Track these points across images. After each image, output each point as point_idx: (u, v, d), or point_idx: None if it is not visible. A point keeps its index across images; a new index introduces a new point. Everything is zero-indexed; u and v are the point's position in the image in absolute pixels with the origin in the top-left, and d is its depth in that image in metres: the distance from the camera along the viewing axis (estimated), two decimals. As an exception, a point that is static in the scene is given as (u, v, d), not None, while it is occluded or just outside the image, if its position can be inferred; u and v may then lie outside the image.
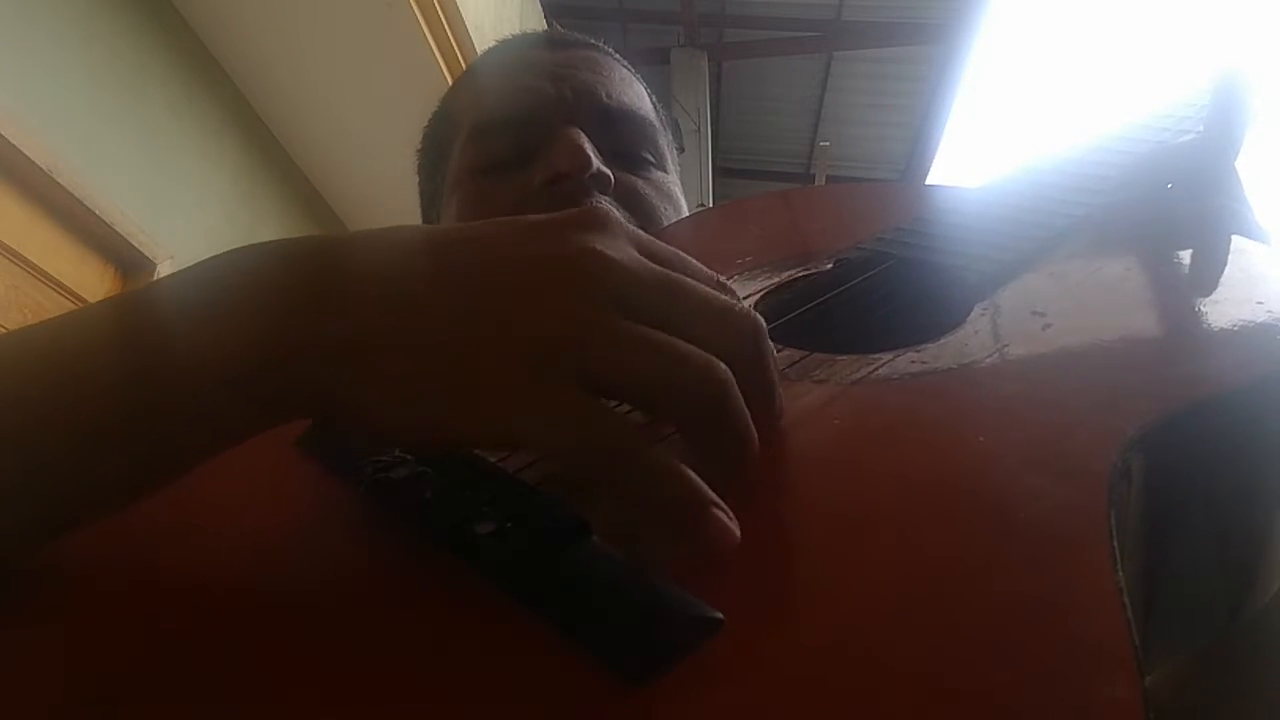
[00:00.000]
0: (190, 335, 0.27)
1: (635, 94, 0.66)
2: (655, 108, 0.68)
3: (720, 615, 0.22)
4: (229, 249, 0.29)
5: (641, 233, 0.30)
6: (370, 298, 0.27)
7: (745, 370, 0.27)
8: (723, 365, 0.26)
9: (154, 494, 0.27)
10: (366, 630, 0.24)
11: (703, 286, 0.28)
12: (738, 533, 0.24)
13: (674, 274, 0.28)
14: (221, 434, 0.27)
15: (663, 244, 0.29)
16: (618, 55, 0.69)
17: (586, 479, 0.26)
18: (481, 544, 0.25)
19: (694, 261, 0.30)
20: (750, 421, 0.26)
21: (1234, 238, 0.40)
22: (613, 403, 0.27)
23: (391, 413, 0.27)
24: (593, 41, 0.70)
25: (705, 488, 0.24)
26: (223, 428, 0.27)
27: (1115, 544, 0.23)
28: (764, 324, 0.28)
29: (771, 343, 0.29)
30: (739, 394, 0.26)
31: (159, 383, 0.26)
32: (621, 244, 0.28)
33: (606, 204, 0.57)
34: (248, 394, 0.26)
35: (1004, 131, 5.99)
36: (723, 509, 0.24)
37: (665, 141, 0.67)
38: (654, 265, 0.28)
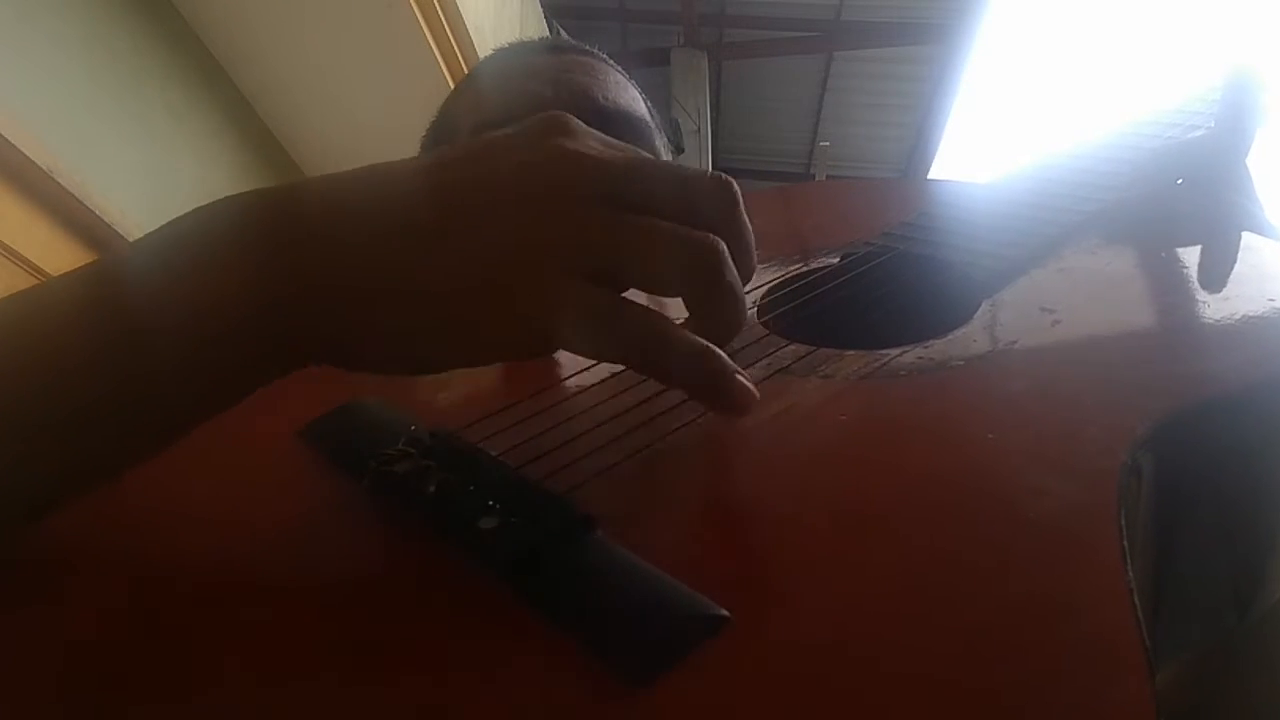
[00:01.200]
0: (167, 295, 0.26)
1: (630, 97, 0.68)
2: (650, 110, 0.71)
3: (726, 612, 0.22)
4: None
5: (599, 132, 0.30)
6: (358, 231, 0.27)
7: (728, 231, 0.28)
8: (715, 238, 0.27)
9: (148, 460, 0.27)
10: (368, 624, 0.24)
11: (669, 164, 0.30)
12: (757, 393, 0.27)
13: (643, 157, 0.29)
14: (212, 395, 0.27)
15: (615, 140, 0.30)
16: (612, 61, 0.72)
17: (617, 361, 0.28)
18: (484, 539, 0.25)
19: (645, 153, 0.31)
20: (741, 283, 0.28)
21: (1245, 234, 0.40)
22: None
23: (412, 346, 0.27)
24: (588, 48, 0.72)
25: (726, 358, 0.27)
26: (212, 388, 0.27)
27: (1125, 542, 0.23)
28: (732, 182, 0.29)
29: (778, 337, 0.29)
30: (730, 260, 0.27)
31: (139, 348, 0.26)
32: (589, 140, 0.29)
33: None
34: (234, 349, 0.26)
35: (1004, 131, 6.00)
36: (742, 374, 0.27)
37: (661, 143, 0.70)
38: (622, 152, 0.29)
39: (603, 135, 0.30)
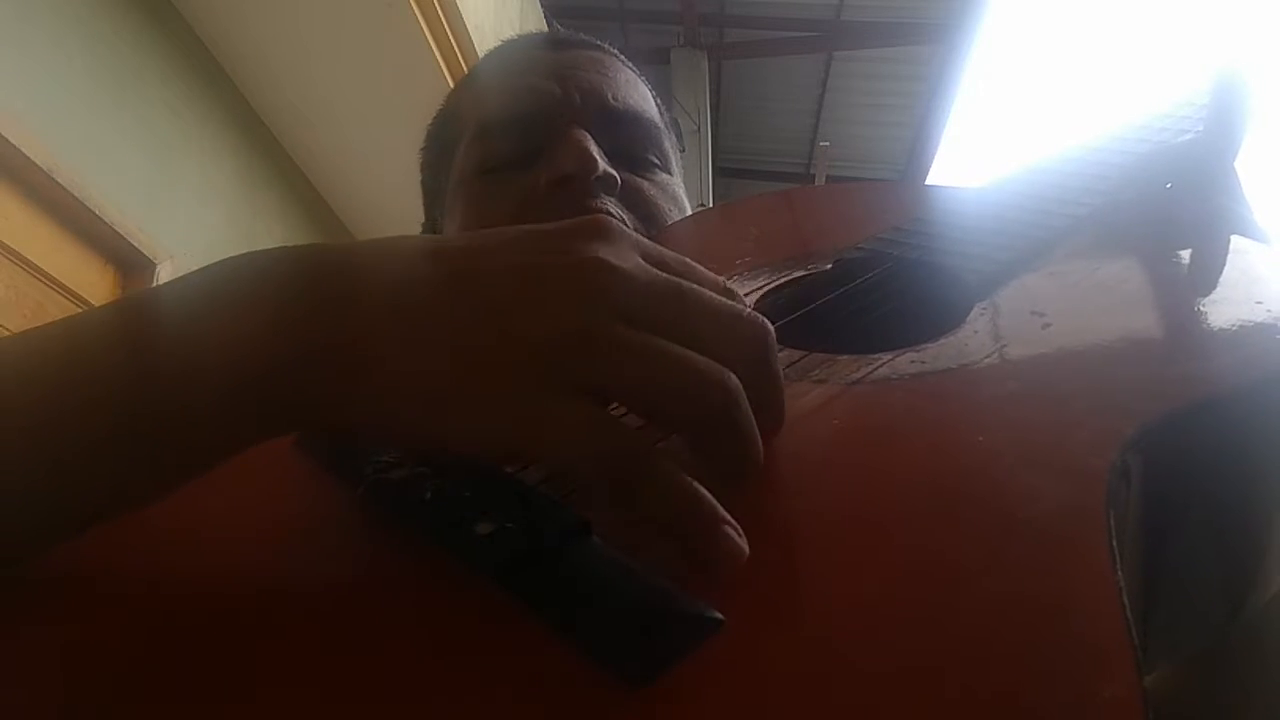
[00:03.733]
0: (199, 339, 0.27)
1: (640, 95, 0.66)
2: (660, 109, 0.68)
3: (720, 615, 0.22)
4: (232, 252, 0.29)
5: (647, 240, 0.29)
6: (378, 304, 0.27)
7: (753, 377, 0.27)
8: (732, 375, 0.26)
9: (165, 498, 0.27)
10: (366, 631, 0.24)
11: (710, 293, 0.28)
12: (746, 550, 0.24)
13: (681, 281, 0.28)
14: (231, 439, 0.27)
15: (669, 251, 0.29)
16: (622, 56, 0.69)
17: (596, 489, 0.26)
18: (481, 545, 0.25)
19: (700, 267, 0.30)
20: (757, 431, 0.26)
21: (1233, 238, 0.40)
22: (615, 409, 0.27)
23: (399, 418, 0.27)
24: (598, 42, 0.69)
25: (716, 504, 0.24)
26: (231, 433, 0.27)
27: (1114, 543, 0.23)
28: (772, 330, 0.28)
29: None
30: (747, 404, 0.26)
31: (168, 386, 0.26)
32: (627, 252, 0.28)
33: (611, 205, 0.57)
34: (256, 399, 0.26)
35: (1004, 131, 5.99)
36: (733, 526, 0.24)
37: (669, 143, 0.67)
38: (660, 273, 0.28)
39: (646, 243, 0.29)
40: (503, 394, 0.25)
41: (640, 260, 0.28)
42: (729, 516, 0.24)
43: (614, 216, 0.33)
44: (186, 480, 0.27)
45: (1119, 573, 0.22)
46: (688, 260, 0.30)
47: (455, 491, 0.28)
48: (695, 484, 0.24)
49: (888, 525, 0.26)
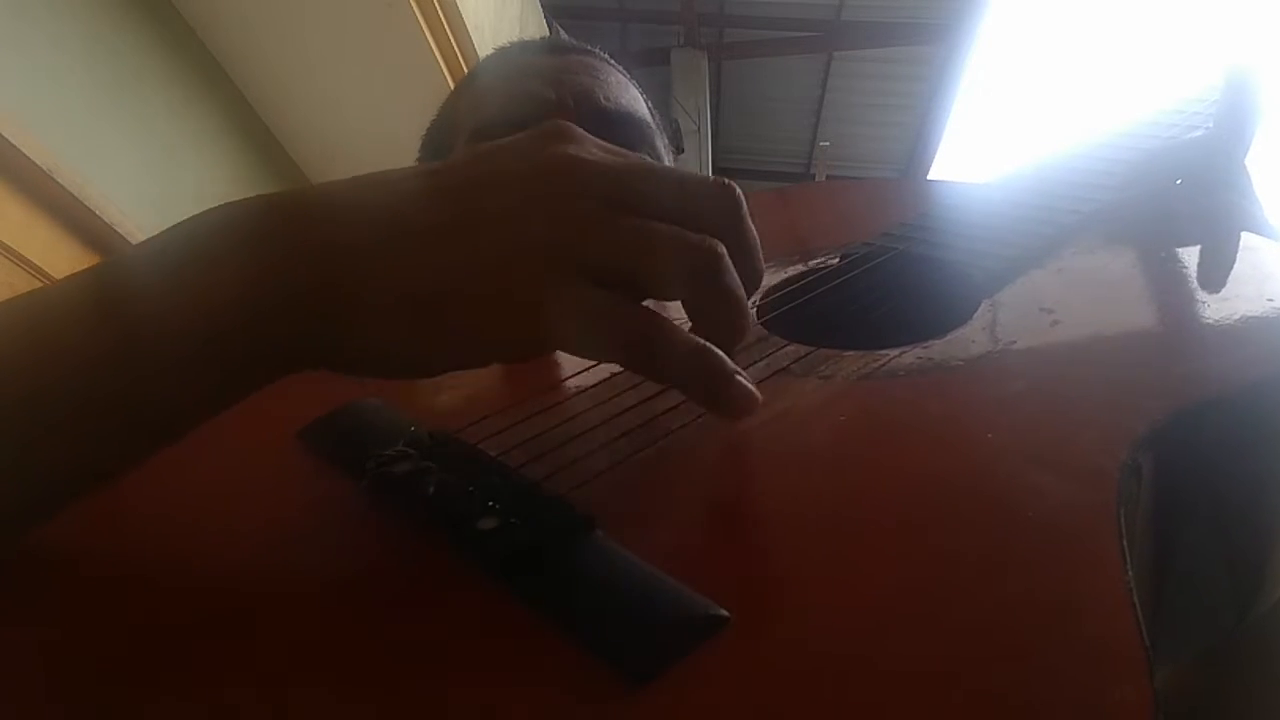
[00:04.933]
0: (170, 298, 0.26)
1: (631, 97, 0.68)
2: (651, 111, 0.70)
3: (725, 612, 0.22)
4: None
5: (601, 141, 0.30)
6: (356, 237, 0.27)
7: (731, 236, 0.28)
8: (717, 242, 0.27)
9: (148, 459, 0.27)
10: (367, 626, 0.24)
11: (673, 168, 0.30)
12: (760, 397, 0.27)
13: (647, 163, 0.29)
14: (211, 398, 0.27)
15: (627, 150, 0.30)
16: (613, 61, 0.71)
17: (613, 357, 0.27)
18: (484, 540, 0.25)
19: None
20: (743, 291, 0.28)
21: (1244, 234, 0.40)
22: None
23: (398, 346, 0.27)
24: (589, 48, 0.72)
25: (726, 358, 0.27)
26: (212, 389, 0.27)
27: (1124, 543, 0.23)
28: (738, 189, 0.29)
29: (778, 337, 0.29)
30: (731, 265, 0.27)
31: (143, 349, 0.26)
32: (591, 147, 0.29)
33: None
34: (234, 352, 0.26)
35: (1004, 131, 6.00)
36: (744, 376, 0.27)
37: (662, 143, 0.69)
38: (624, 158, 0.29)
39: (605, 143, 0.30)
40: (504, 293, 0.26)
41: (603, 153, 0.29)
42: (739, 369, 0.27)
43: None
44: (169, 443, 0.27)
45: (1129, 572, 0.22)
46: (644, 156, 0.30)
47: (458, 486, 0.28)
48: (704, 341, 0.26)
49: (893, 523, 0.26)
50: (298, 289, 0.26)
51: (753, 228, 0.29)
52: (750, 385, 0.27)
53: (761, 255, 0.30)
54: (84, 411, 0.26)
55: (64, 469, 0.26)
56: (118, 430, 0.26)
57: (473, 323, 0.27)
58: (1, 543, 0.26)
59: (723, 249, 0.27)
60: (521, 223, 0.27)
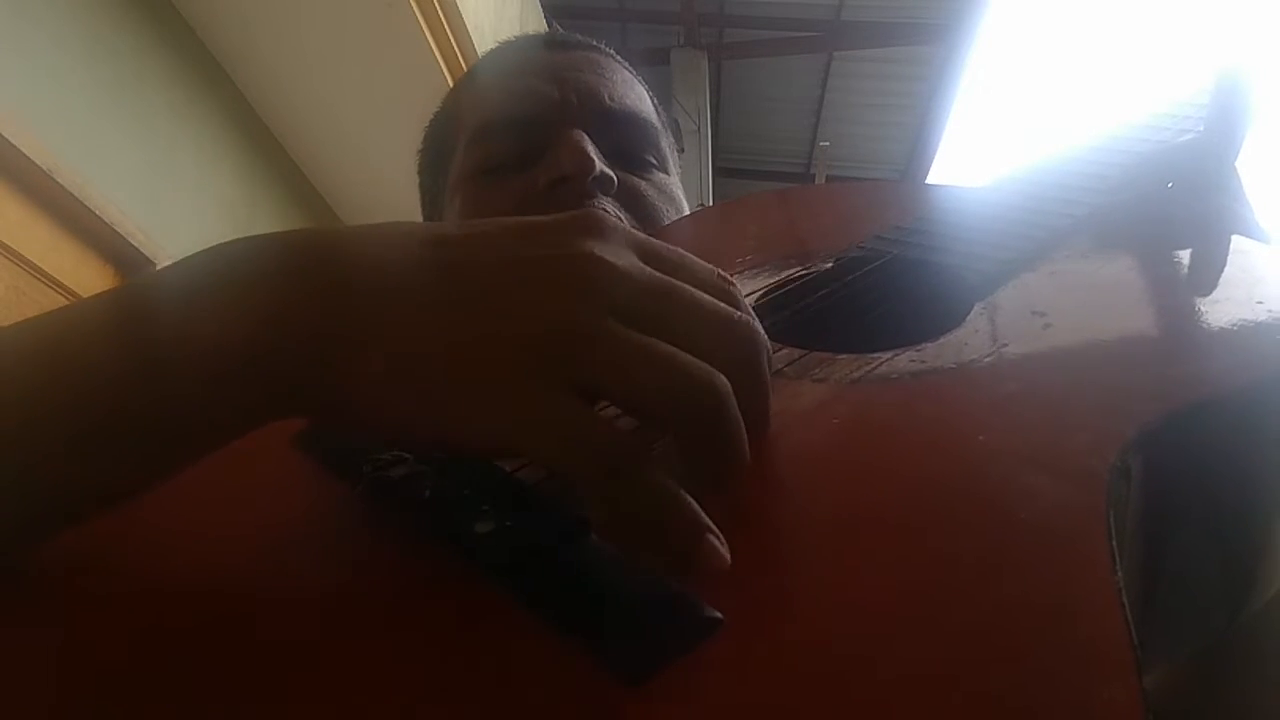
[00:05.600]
0: (189, 328, 0.26)
1: (637, 96, 0.66)
2: (656, 109, 0.68)
3: (719, 615, 0.22)
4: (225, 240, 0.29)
5: (641, 235, 0.29)
6: (372, 291, 0.27)
7: (742, 380, 0.26)
8: (722, 378, 0.25)
9: (156, 487, 0.27)
10: (364, 630, 0.24)
11: (703, 295, 0.28)
12: (728, 559, 0.23)
13: (674, 281, 0.28)
14: (221, 428, 0.27)
15: (663, 244, 0.29)
16: (619, 57, 0.69)
17: (582, 488, 0.25)
18: (480, 543, 0.25)
19: (695, 260, 0.30)
20: (744, 435, 0.26)
21: (1234, 238, 0.40)
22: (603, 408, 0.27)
23: (387, 408, 0.26)
24: (594, 43, 0.70)
25: (699, 512, 0.24)
26: (221, 421, 0.27)
27: (1114, 544, 0.23)
28: (762, 332, 0.28)
29: (770, 344, 0.29)
30: (736, 407, 0.26)
31: (159, 376, 0.26)
32: (621, 248, 0.28)
33: (609, 205, 0.57)
34: (247, 387, 0.26)
35: (1004, 131, 5.99)
36: (715, 534, 0.23)
37: (666, 143, 0.67)
38: (653, 271, 0.28)
39: (650, 245, 0.29)
40: (493, 387, 0.25)
41: (634, 257, 0.28)
42: (712, 525, 0.23)
43: (610, 215, 0.33)
44: (177, 469, 0.27)
45: (1119, 573, 0.22)
46: (681, 251, 0.29)
47: (454, 490, 0.28)
48: (679, 490, 0.24)
49: (886, 525, 0.26)
50: (310, 328, 0.26)
51: (769, 375, 0.28)
52: (721, 548, 0.23)
53: (770, 405, 0.28)
54: (100, 431, 0.26)
55: (77, 487, 0.26)
56: (132, 451, 0.26)
57: (456, 407, 0.25)
58: (11, 553, 0.26)
59: (728, 388, 0.25)
60: (519, 319, 0.26)
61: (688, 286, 0.28)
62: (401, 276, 0.27)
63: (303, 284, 0.27)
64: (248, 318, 0.26)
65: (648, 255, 0.28)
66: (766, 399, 0.28)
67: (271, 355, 0.26)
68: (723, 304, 0.28)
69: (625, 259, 0.27)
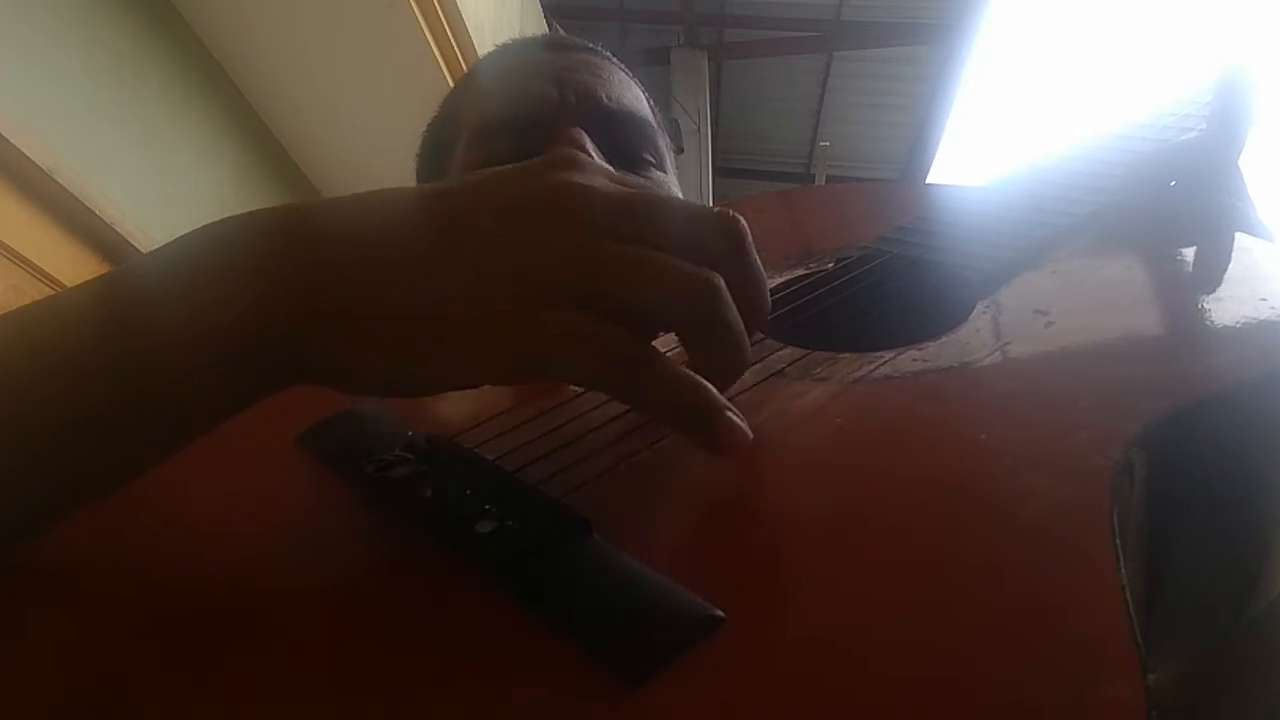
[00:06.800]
0: (173, 314, 0.26)
1: (634, 96, 0.67)
2: (653, 110, 0.69)
3: (720, 612, 0.22)
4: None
5: (610, 168, 0.30)
6: (360, 258, 0.27)
7: (733, 269, 0.28)
8: (714, 274, 0.27)
9: (147, 473, 0.27)
10: (366, 628, 0.24)
11: (679, 199, 0.29)
12: (750, 433, 0.26)
13: (650, 191, 0.29)
14: (212, 411, 0.27)
15: (632, 177, 0.30)
16: (615, 59, 0.70)
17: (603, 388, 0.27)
18: (481, 543, 0.25)
19: (655, 186, 0.30)
20: (743, 327, 0.27)
21: (1237, 235, 0.40)
22: None
23: (397, 365, 0.27)
24: (591, 45, 0.71)
25: (715, 391, 0.26)
26: (212, 405, 0.27)
27: (1117, 541, 0.23)
28: (743, 221, 0.29)
29: (773, 340, 0.29)
30: (732, 302, 0.27)
31: (145, 364, 0.26)
32: (595, 176, 0.29)
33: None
34: (237, 369, 0.26)
35: (1004, 131, 6.00)
36: (733, 411, 0.26)
37: (663, 142, 0.68)
38: (630, 189, 0.29)
39: (612, 170, 0.30)
40: (500, 318, 0.26)
41: (605, 180, 0.29)
42: (728, 403, 0.26)
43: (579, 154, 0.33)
44: (170, 454, 0.27)
45: (1122, 571, 0.22)
46: (648, 185, 0.30)
47: (456, 489, 0.28)
48: (694, 374, 0.26)
49: (889, 524, 0.26)
50: (300, 308, 0.27)
51: (758, 261, 0.29)
52: (740, 421, 0.26)
53: (766, 289, 0.29)
54: (83, 420, 0.26)
55: (67, 478, 0.26)
56: (116, 440, 0.26)
57: (457, 347, 0.26)
58: (4, 547, 0.26)
59: (720, 281, 0.27)
60: (513, 248, 0.27)
61: (664, 196, 0.29)
62: (386, 239, 0.28)
63: (290, 258, 0.27)
64: (239, 297, 0.27)
65: (616, 179, 0.30)
66: (761, 282, 0.29)
67: (268, 331, 0.26)
68: (699, 207, 0.29)
69: (601, 183, 0.28)
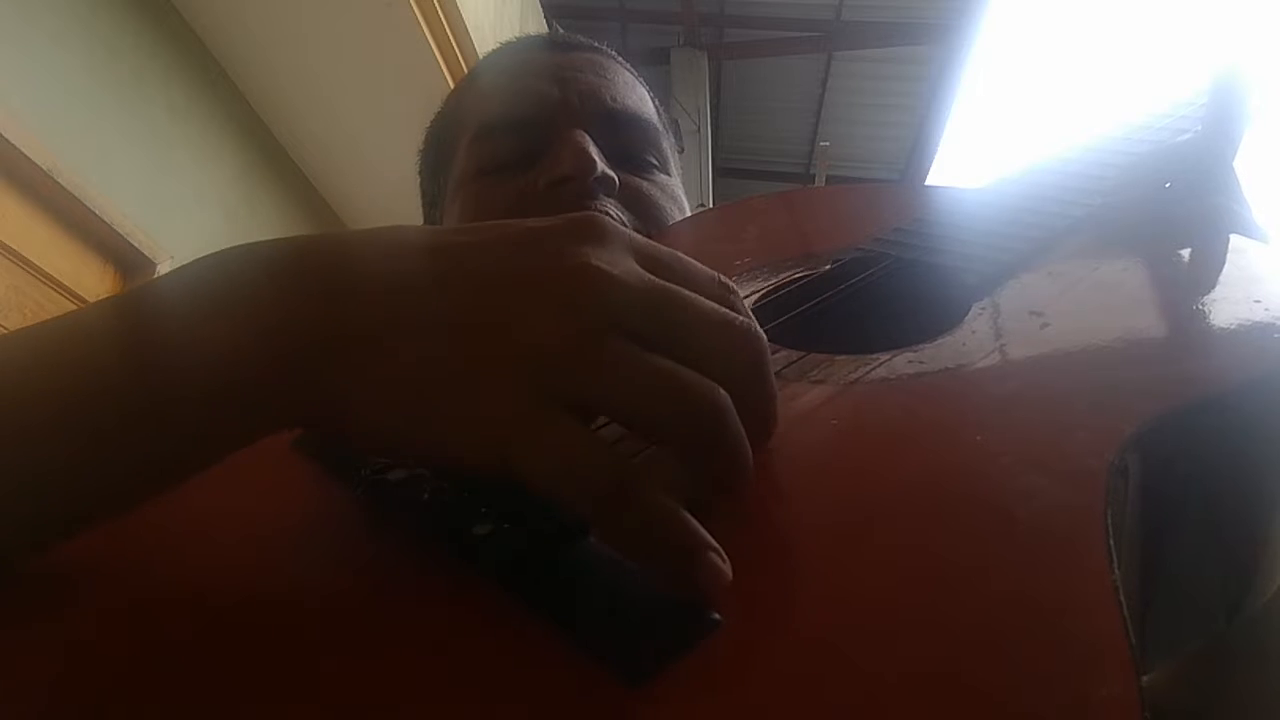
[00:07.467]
0: (190, 339, 0.26)
1: (638, 97, 0.66)
2: (658, 110, 0.69)
3: (717, 616, 0.22)
4: (226, 247, 0.29)
5: (639, 238, 0.29)
6: (376, 299, 0.27)
7: (745, 387, 0.26)
8: (722, 392, 0.25)
9: (157, 498, 0.27)
10: (365, 633, 0.24)
11: (702, 300, 0.27)
12: (729, 575, 0.23)
13: (673, 287, 0.27)
14: (221, 439, 0.27)
15: (662, 248, 0.29)
16: (620, 58, 0.69)
17: (580, 510, 0.25)
18: (479, 546, 0.25)
19: (694, 263, 0.29)
20: (747, 446, 0.26)
21: (1232, 237, 0.40)
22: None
23: (383, 421, 0.26)
24: (596, 44, 0.70)
25: (700, 531, 0.23)
26: (221, 432, 0.27)
27: (1112, 542, 0.23)
28: (764, 338, 0.28)
29: (769, 342, 0.28)
30: (737, 421, 0.25)
31: (161, 386, 0.26)
32: (619, 255, 0.27)
33: (611, 206, 0.57)
34: (247, 398, 0.26)
35: (1004, 131, 6.00)
36: (716, 550, 0.23)
37: (668, 144, 0.67)
38: (652, 279, 0.27)
39: (648, 248, 0.29)
40: (488, 405, 0.25)
41: (633, 264, 0.28)
42: (712, 542, 0.23)
43: (613, 218, 0.32)
44: (184, 478, 0.27)
45: (1116, 572, 0.22)
46: (680, 256, 0.29)
47: (453, 493, 0.28)
48: (679, 510, 0.24)
49: (885, 526, 0.26)
50: (310, 343, 0.26)
51: (773, 381, 0.27)
52: (722, 565, 0.23)
53: (777, 409, 0.28)
54: (98, 443, 0.26)
55: (79, 493, 0.26)
56: (128, 465, 0.26)
57: (450, 418, 0.25)
58: (13, 561, 0.26)
59: (727, 402, 0.25)
60: (516, 335, 0.26)
61: (687, 292, 0.27)
62: (398, 289, 0.27)
63: (310, 292, 0.27)
64: (254, 327, 0.26)
65: (646, 259, 0.28)
66: (772, 402, 0.28)
67: (281, 365, 0.26)
68: (723, 308, 0.27)
69: (623, 266, 0.27)
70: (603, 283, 0.26)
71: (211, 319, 0.27)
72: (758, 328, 0.28)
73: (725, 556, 0.23)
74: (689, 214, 0.63)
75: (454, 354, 0.26)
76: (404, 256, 0.28)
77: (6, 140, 1.69)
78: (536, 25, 3.54)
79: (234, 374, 0.26)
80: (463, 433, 0.25)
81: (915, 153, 5.48)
